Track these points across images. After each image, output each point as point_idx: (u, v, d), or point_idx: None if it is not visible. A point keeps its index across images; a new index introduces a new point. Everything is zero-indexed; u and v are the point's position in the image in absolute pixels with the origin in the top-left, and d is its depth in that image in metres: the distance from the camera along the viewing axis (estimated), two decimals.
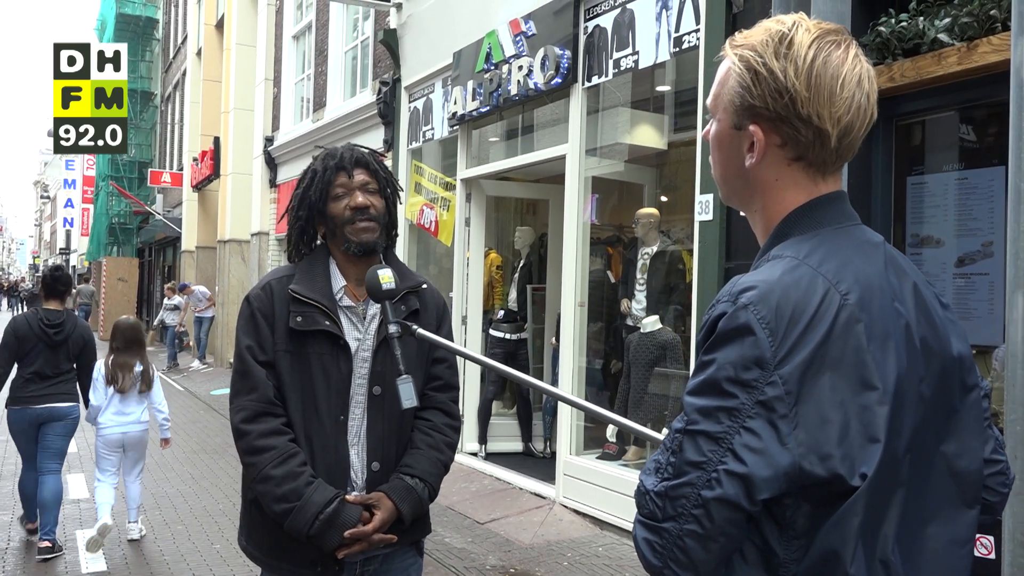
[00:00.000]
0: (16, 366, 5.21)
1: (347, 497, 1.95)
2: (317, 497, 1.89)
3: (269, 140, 13.98)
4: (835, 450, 0.99)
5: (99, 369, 5.30)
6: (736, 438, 0.99)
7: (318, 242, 2.11)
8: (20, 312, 5.94)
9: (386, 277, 1.84)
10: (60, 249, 59.65)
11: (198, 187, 19.30)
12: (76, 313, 5.67)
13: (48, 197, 76.72)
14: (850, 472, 0.99)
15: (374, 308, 2.04)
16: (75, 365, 5.36)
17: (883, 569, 1.04)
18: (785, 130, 1.12)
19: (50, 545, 5.10)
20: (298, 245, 2.10)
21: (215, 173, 17.54)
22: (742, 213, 1.27)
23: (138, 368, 5.32)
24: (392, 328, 1.80)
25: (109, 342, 5.44)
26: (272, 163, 13.86)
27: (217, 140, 17.45)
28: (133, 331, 5.44)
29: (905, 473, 1.06)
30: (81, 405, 5.40)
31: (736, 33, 1.19)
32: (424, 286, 2.11)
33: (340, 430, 1.99)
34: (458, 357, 2.01)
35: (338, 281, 2.06)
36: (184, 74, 22.29)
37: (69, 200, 50.69)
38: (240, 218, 15.62)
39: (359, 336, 2.03)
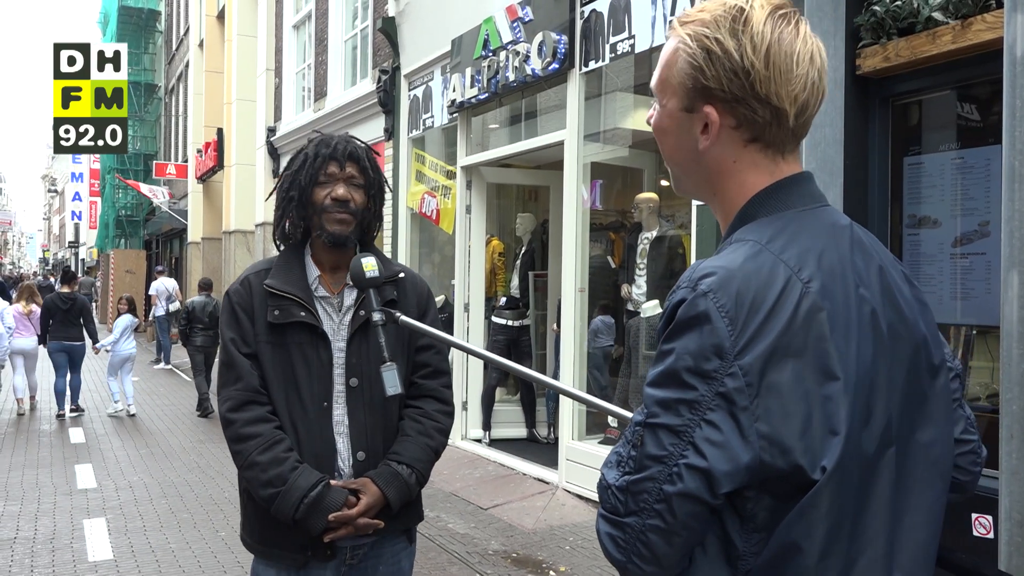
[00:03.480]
0: (51, 322, 10.09)
1: (332, 482, 1.96)
2: (302, 481, 1.91)
3: (271, 130, 13.99)
4: (796, 443, 0.97)
5: (125, 320, 10.54)
6: (697, 431, 0.97)
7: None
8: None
9: (370, 265, 1.86)
10: (69, 242, 59.83)
11: (203, 178, 19.34)
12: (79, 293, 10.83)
13: (56, 191, 76.96)
14: (811, 465, 0.97)
15: (349, 299, 2.06)
16: (82, 321, 10.29)
17: (871, 566, 1.02)
18: (741, 111, 1.07)
19: (75, 407, 10.26)
20: (286, 227, 2.11)
21: (219, 164, 17.55)
22: (697, 202, 1.25)
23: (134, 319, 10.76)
24: (376, 316, 1.81)
25: (116, 306, 11.06)
26: (275, 153, 13.88)
27: (220, 131, 17.46)
28: (132, 300, 11.10)
29: (890, 466, 1.03)
30: (87, 344, 10.43)
31: (688, 7, 1.15)
32: (402, 275, 2.12)
33: (324, 416, 2.00)
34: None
35: (312, 271, 2.08)
36: (187, 66, 22.29)
37: (77, 194, 50.85)
38: (244, 209, 15.65)
39: (333, 326, 2.05)
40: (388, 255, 8.32)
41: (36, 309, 10.32)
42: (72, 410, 10.15)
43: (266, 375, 2.00)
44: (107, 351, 10.45)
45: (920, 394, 1.09)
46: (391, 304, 2.04)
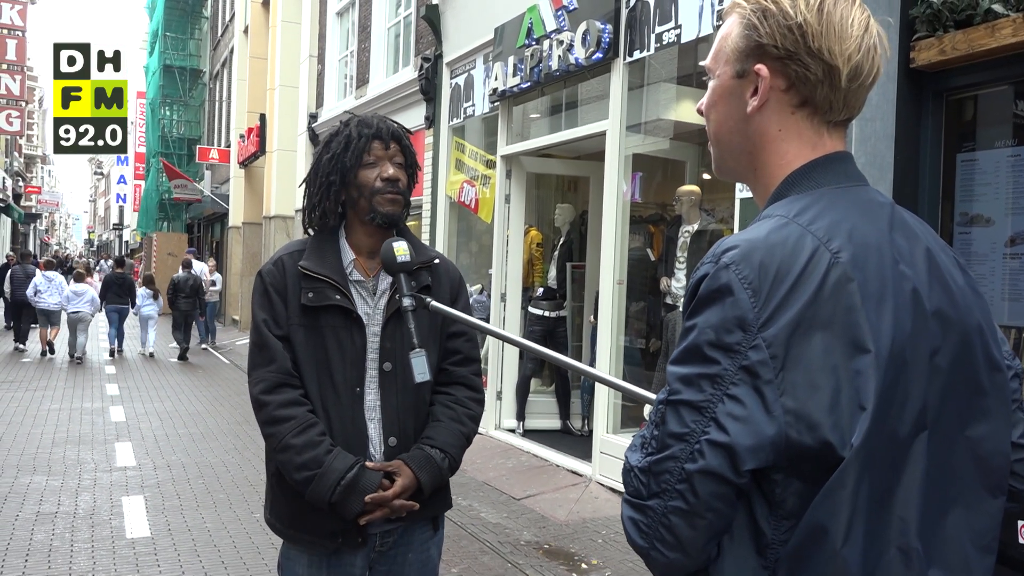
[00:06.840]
0: (108, 292, 14.72)
1: (367, 464, 1.95)
2: (337, 464, 1.89)
3: (313, 117, 14.08)
4: (825, 418, 0.92)
5: (142, 291, 15.35)
6: (719, 406, 0.93)
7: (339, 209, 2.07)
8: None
9: (401, 250, 1.82)
10: (114, 224, 60.95)
11: (245, 164, 19.53)
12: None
13: (102, 173, 78.39)
14: (841, 442, 0.92)
15: (384, 283, 2.02)
16: (128, 291, 15.08)
17: (902, 557, 0.96)
18: (793, 69, 1.05)
19: (119, 349, 15.17)
20: (325, 212, 2.04)
21: (261, 150, 17.71)
22: (740, 187, 1.23)
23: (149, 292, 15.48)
24: (406, 301, 1.78)
25: (144, 284, 15.68)
26: (316, 140, 13.95)
27: (263, 117, 17.61)
28: (152, 277, 16.09)
29: (922, 451, 0.98)
30: (130, 306, 15.15)
31: None
32: (436, 260, 2.09)
33: (356, 401, 1.98)
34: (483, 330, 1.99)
35: (348, 255, 2.04)
36: (232, 52, 22.51)
37: (122, 176, 51.73)
38: (285, 194, 15.79)
39: (368, 311, 2.01)
40: (426, 243, 8.26)
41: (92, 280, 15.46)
42: (118, 350, 14.94)
43: (298, 358, 1.97)
44: (134, 314, 15.36)
45: (974, 385, 1.04)
46: (425, 290, 2.01)
